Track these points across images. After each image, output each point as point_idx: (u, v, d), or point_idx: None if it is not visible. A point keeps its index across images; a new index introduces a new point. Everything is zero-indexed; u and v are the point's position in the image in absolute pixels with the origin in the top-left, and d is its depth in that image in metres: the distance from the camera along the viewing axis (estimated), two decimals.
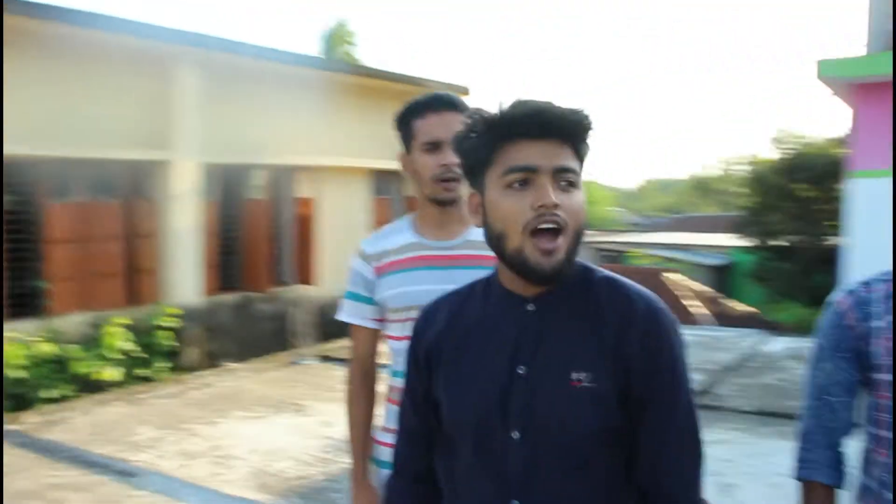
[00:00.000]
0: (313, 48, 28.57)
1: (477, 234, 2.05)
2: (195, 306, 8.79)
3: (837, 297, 1.62)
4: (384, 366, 2.23)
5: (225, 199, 9.57)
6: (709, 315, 14.69)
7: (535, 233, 1.28)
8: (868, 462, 1.59)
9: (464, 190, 2.02)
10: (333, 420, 6.60)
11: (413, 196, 12.11)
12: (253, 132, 9.39)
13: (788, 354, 9.33)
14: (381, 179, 11.68)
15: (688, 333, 11.23)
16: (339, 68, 12.26)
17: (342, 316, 2.24)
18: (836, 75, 9.88)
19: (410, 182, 2.18)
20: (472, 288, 1.51)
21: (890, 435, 1.50)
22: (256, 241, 9.72)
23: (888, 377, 1.49)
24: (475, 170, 1.38)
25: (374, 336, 2.21)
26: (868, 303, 1.57)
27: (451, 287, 1.80)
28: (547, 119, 1.30)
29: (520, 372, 1.34)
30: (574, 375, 1.31)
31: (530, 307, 1.38)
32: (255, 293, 9.72)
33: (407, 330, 2.01)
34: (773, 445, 5.79)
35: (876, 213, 10.04)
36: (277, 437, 6.27)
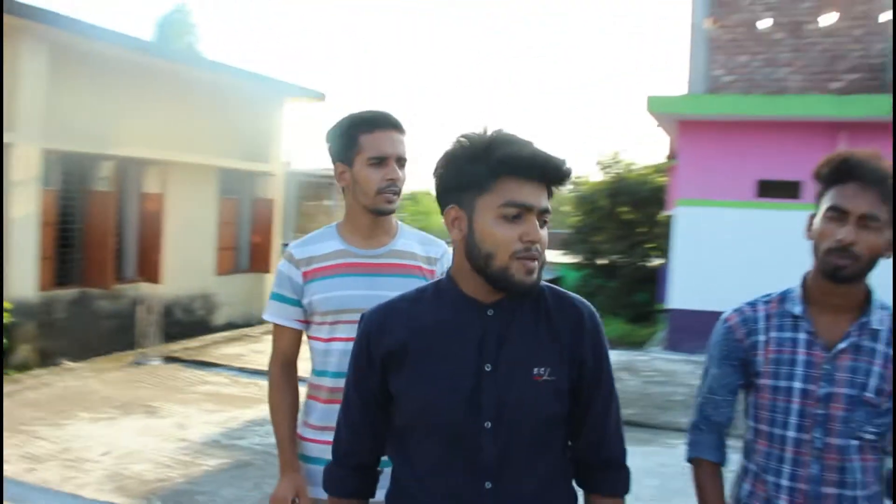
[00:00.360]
0: (147, 34, 27.33)
1: (401, 244, 2.31)
2: (29, 301, 8.28)
3: (727, 315, 1.99)
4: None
5: (66, 189, 9.09)
6: None
7: (520, 258, 1.53)
8: (749, 450, 1.97)
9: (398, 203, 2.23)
10: (187, 423, 6.52)
11: (263, 198, 12.09)
12: (100, 120, 9.00)
13: (616, 367, 10.14)
14: (229, 179, 11.49)
15: None
16: (191, 61, 11.91)
17: (267, 316, 2.33)
18: (663, 111, 10.94)
19: (345, 192, 2.29)
20: (420, 293, 1.68)
21: (767, 428, 1.87)
22: (99, 235, 9.27)
23: (767, 381, 1.86)
24: (465, 190, 1.57)
25: (298, 336, 2.31)
26: (754, 321, 1.93)
27: (376, 293, 2.03)
28: (549, 167, 1.55)
29: (487, 369, 1.55)
30: (536, 371, 1.56)
31: (490, 312, 1.59)
32: (96, 289, 9.27)
33: (334, 332, 2.20)
34: None
35: (694, 236, 11.23)
36: (130, 439, 6.10)
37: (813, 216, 1.85)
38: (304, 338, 2.33)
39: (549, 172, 1.54)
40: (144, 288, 9.89)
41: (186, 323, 10.73)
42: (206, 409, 7.00)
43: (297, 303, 2.26)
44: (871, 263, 1.76)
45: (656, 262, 15.03)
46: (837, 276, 1.74)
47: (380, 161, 2.18)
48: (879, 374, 1.78)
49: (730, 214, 10.66)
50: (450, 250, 2.23)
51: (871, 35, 10.29)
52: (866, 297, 1.84)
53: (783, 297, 1.90)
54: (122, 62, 9.22)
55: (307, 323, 2.28)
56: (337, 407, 1.84)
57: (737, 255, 10.40)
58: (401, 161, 2.23)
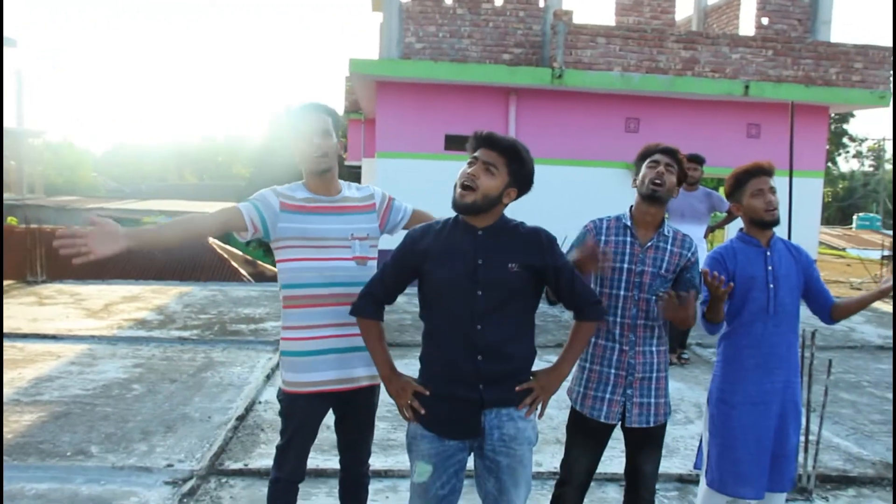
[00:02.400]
0: None
1: (351, 191, 3.16)
2: None
3: (586, 224, 3.21)
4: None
5: None
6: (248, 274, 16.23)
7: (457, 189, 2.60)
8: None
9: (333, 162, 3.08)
10: None
11: None
12: None
13: None
14: None
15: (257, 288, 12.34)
16: None
17: (239, 205, 2.93)
18: (363, 72, 12.13)
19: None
20: (445, 222, 2.73)
21: (608, 290, 3.11)
22: None
23: (608, 263, 3.08)
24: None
25: (237, 223, 2.87)
26: (601, 228, 3.16)
27: (342, 226, 2.94)
28: (493, 139, 2.61)
29: (480, 262, 2.61)
30: (510, 265, 2.60)
31: (480, 233, 2.64)
32: None
33: (304, 254, 2.94)
34: None
35: (392, 185, 12.66)
36: None
37: (635, 177, 3.19)
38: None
39: (495, 143, 2.63)
40: None
41: None
42: None
43: (262, 216, 2.89)
44: (670, 192, 3.09)
45: None
46: (654, 195, 3.09)
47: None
48: (667, 260, 3.08)
49: (423, 165, 12.25)
50: (377, 189, 3.14)
51: (532, 17, 12.43)
52: (663, 219, 3.15)
53: (619, 217, 3.21)
54: None
55: (255, 233, 2.90)
56: (313, 310, 2.85)
57: (429, 199, 12.00)
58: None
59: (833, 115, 34.32)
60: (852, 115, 41.49)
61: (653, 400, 3.12)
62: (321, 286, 2.92)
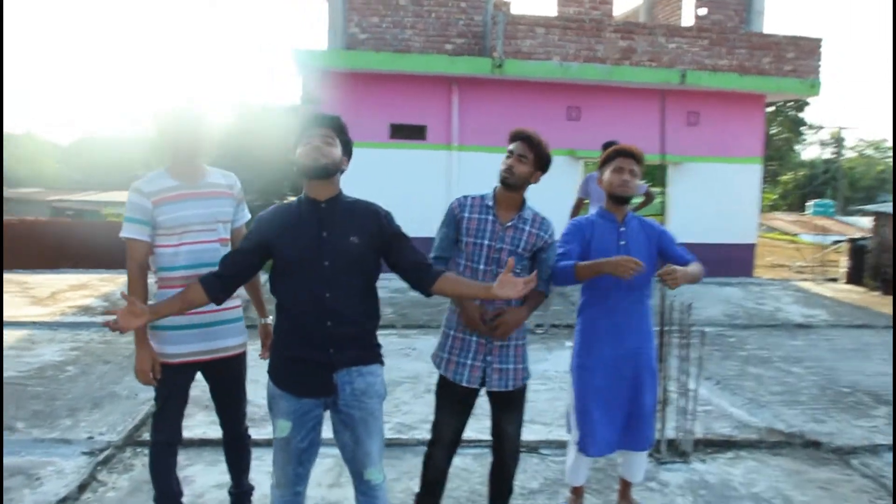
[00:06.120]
0: None
1: (216, 177, 3.41)
2: None
3: (452, 202, 3.39)
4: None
5: None
6: None
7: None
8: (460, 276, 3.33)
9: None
10: None
11: None
12: None
13: None
14: None
15: None
16: None
17: (125, 233, 3.18)
18: (307, 63, 12.32)
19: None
20: (292, 203, 2.95)
21: (471, 264, 3.33)
22: None
23: (470, 239, 3.29)
24: None
25: (148, 247, 3.18)
26: (464, 206, 3.35)
27: (206, 211, 3.21)
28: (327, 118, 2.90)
29: (324, 235, 2.82)
30: (351, 238, 2.83)
31: (323, 205, 2.86)
32: None
33: (182, 239, 3.21)
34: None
35: (366, 176, 12.82)
36: None
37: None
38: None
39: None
40: None
41: None
42: None
43: (148, 223, 3.15)
44: (523, 180, 3.30)
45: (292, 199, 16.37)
46: (506, 184, 3.30)
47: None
48: (524, 240, 3.30)
49: (369, 154, 12.49)
50: (239, 184, 3.41)
51: (473, 8, 12.71)
52: (523, 202, 3.36)
53: (483, 196, 3.42)
54: None
55: (151, 237, 3.18)
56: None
57: (376, 187, 12.24)
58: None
59: (783, 102, 34.91)
60: (807, 104, 42.20)
61: (511, 366, 3.36)
62: (191, 268, 3.17)
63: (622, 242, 3.61)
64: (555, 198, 7.19)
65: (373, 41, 12.49)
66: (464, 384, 3.35)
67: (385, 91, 12.61)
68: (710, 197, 13.58)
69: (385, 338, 4.44)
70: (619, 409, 3.64)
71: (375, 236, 2.90)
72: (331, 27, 12.87)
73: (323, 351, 2.86)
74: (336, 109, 12.64)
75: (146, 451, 4.69)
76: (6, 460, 4.52)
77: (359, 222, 2.89)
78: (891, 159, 40.70)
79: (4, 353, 7.05)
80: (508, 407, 3.41)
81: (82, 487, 4.18)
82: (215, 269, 2.93)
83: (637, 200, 9.38)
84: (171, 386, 3.24)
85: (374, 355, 2.99)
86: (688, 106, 13.45)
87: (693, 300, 5.35)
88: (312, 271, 2.83)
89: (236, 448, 3.49)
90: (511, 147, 3.36)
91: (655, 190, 10.41)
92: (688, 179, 13.59)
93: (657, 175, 15.14)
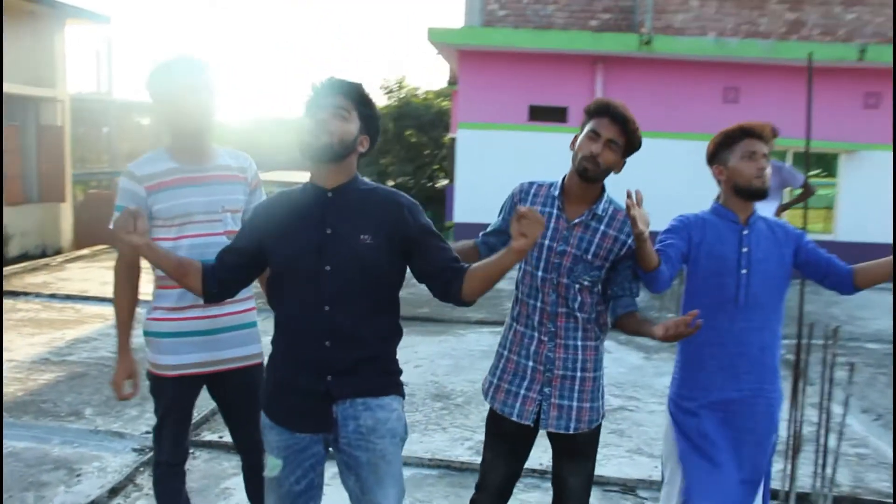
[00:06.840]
0: None
1: (224, 158, 2.83)
2: None
3: (515, 187, 2.79)
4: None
5: None
6: None
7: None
8: (516, 284, 2.76)
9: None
10: (11, 346, 6.48)
11: (51, 125, 11.62)
12: None
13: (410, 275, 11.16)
14: (10, 104, 10.97)
15: None
16: None
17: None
18: (443, 41, 11.88)
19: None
20: (295, 190, 2.37)
21: (527, 267, 2.67)
22: None
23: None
24: None
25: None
26: (528, 193, 2.71)
27: (211, 198, 2.67)
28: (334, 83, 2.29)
29: (328, 232, 2.25)
30: (362, 237, 2.24)
31: (330, 195, 2.29)
32: None
33: (182, 231, 2.67)
34: (414, 339, 7.13)
35: (475, 157, 12.43)
36: None
37: (577, 136, 2.69)
38: None
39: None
40: None
41: None
42: (27, 332, 7.04)
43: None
44: (607, 172, 2.62)
45: (442, 182, 16.14)
46: (584, 175, 2.64)
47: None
48: (597, 243, 2.61)
49: (506, 136, 11.93)
50: (254, 165, 2.89)
51: None
52: (600, 194, 2.66)
53: (551, 184, 2.75)
54: None
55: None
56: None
57: (512, 172, 11.69)
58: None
59: None
60: None
61: (575, 403, 2.68)
62: None
63: (744, 249, 2.76)
64: (707, 195, 6.30)
65: (512, 17, 11.88)
66: (514, 419, 2.70)
67: (524, 70, 11.97)
68: (889, 191, 12.02)
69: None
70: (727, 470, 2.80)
71: (395, 235, 2.30)
72: (468, 3, 12.37)
73: (319, 377, 2.31)
74: (472, 90, 12.21)
75: (198, 453, 4.40)
76: (60, 450, 4.38)
77: (373, 217, 2.30)
78: None
79: (108, 330, 7.05)
80: (572, 455, 2.76)
81: (115, 491, 3.93)
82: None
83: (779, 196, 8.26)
84: (169, 401, 2.80)
85: (388, 385, 2.41)
86: (866, 86, 11.93)
87: (859, 309, 4.40)
88: (310, 278, 2.28)
89: (253, 476, 2.96)
90: (593, 126, 2.61)
91: (814, 182, 9.15)
92: (863, 170, 12.10)
93: (831, 164, 13.62)
